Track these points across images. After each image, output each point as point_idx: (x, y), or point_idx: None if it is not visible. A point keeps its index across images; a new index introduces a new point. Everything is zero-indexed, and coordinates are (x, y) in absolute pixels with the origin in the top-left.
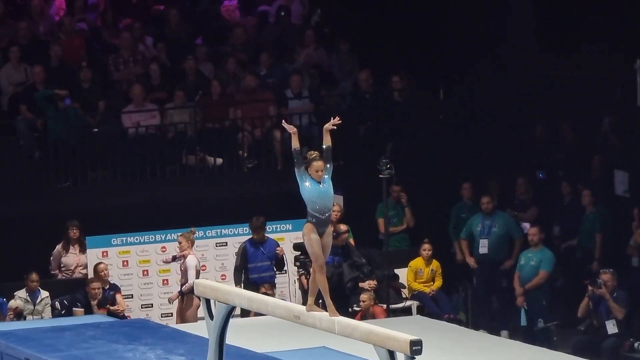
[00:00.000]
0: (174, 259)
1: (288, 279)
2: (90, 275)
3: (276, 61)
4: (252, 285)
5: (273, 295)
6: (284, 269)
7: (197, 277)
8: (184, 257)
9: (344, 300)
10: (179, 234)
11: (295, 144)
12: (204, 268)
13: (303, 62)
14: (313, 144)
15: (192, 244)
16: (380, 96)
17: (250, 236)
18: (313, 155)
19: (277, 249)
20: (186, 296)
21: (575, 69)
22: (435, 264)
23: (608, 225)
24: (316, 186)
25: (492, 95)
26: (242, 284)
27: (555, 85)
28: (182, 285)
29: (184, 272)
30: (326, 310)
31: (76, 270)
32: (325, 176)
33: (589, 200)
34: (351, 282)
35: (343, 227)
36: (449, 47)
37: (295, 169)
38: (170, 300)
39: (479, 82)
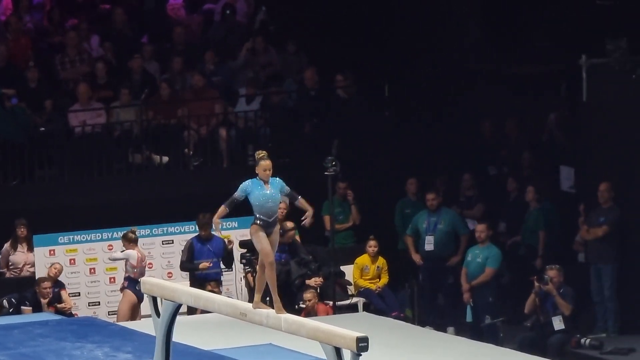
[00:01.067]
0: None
1: (234, 277)
2: (39, 273)
3: (221, 59)
4: (198, 282)
5: (219, 292)
6: (232, 264)
7: (132, 270)
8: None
9: (291, 297)
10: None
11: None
12: (151, 266)
13: (249, 61)
14: (260, 143)
15: (135, 242)
16: (325, 94)
17: (197, 233)
18: (261, 155)
19: (227, 241)
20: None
21: (521, 65)
22: (381, 260)
23: (553, 221)
24: (264, 191)
25: (438, 91)
26: (189, 281)
27: (501, 81)
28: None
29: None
30: (273, 307)
31: (24, 269)
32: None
33: (533, 197)
34: (299, 279)
35: (289, 224)
36: (394, 43)
37: (235, 196)
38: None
39: (424, 78)
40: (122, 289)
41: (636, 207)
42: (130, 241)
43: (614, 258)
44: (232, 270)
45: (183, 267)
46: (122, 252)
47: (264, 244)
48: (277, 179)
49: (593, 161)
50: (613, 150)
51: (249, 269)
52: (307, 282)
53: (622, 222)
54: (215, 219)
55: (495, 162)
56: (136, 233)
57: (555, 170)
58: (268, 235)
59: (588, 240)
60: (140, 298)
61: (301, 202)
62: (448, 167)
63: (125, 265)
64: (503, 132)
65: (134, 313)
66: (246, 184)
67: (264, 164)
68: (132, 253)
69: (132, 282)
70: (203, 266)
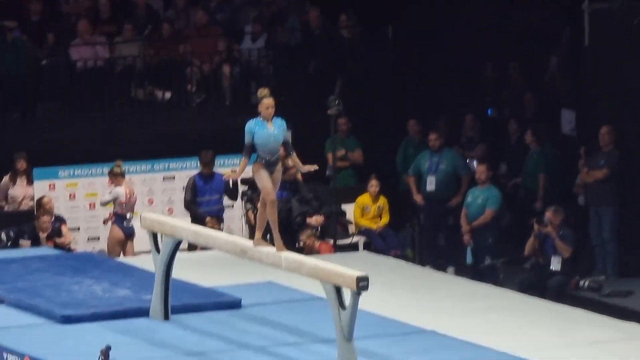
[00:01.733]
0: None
1: (235, 214)
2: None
3: None
4: (200, 219)
5: (220, 229)
6: (237, 197)
7: (120, 207)
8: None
9: (292, 235)
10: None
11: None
12: (152, 202)
13: None
14: (263, 81)
15: (122, 176)
16: (329, 33)
17: (199, 170)
18: (263, 93)
19: (228, 176)
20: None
21: (524, 9)
22: (382, 200)
23: (554, 164)
24: (266, 130)
25: (441, 33)
26: (190, 218)
27: (504, 24)
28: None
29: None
30: (274, 245)
31: (23, 202)
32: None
33: (532, 139)
34: (300, 217)
35: (291, 162)
36: None
37: (247, 142)
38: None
39: (428, 20)
40: (105, 222)
41: (636, 150)
42: (116, 176)
43: (613, 201)
44: (235, 202)
45: (188, 207)
46: (109, 193)
47: (266, 182)
48: (281, 119)
49: (594, 105)
50: (614, 94)
51: (250, 207)
52: (308, 220)
53: (622, 166)
54: (239, 175)
55: (497, 104)
56: (122, 167)
57: (557, 114)
58: (270, 173)
59: (588, 183)
60: (127, 234)
61: (294, 158)
62: (450, 109)
63: (114, 203)
64: (505, 75)
65: (121, 249)
66: (250, 124)
67: (266, 102)
68: (120, 191)
69: (119, 218)
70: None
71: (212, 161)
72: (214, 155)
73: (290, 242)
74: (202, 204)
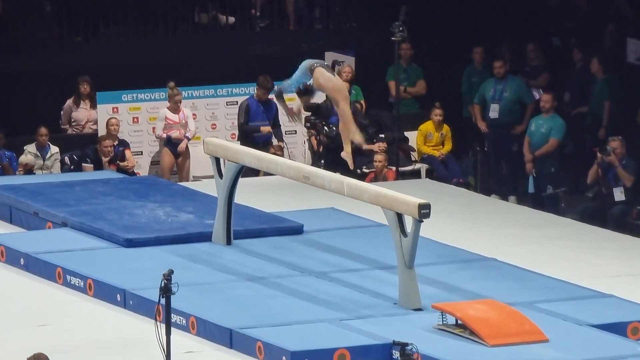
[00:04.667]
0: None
1: (298, 140)
2: (101, 131)
3: None
4: (251, 143)
5: (282, 155)
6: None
7: (159, 128)
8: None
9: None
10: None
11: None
12: (214, 127)
13: None
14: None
15: (170, 98)
16: None
17: (255, 93)
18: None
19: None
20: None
21: None
22: (445, 128)
23: (618, 93)
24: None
25: None
26: (240, 141)
27: None
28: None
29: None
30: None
31: (86, 126)
32: None
33: (598, 68)
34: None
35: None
36: None
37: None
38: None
39: None
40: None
41: None
42: (169, 97)
43: None
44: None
45: (241, 130)
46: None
47: (335, 80)
48: None
49: None
50: None
51: (313, 132)
52: (371, 147)
53: None
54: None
55: (562, 33)
56: (174, 89)
57: (623, 42)
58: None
59: None
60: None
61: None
62: (514, 36)
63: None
64: (571, 3)
65: (171, 171)
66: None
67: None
68: (162, 112)
69: (169, 140)
70: (264, 129)
71: (269, 86)
72: (273, 81)
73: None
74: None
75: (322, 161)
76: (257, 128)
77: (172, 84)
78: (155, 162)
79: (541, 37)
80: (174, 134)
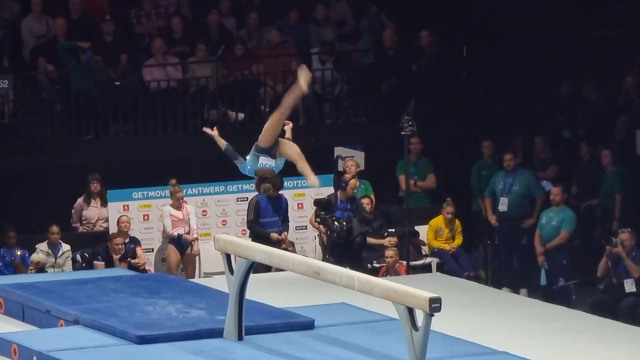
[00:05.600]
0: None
1: (308, 235)
2: (112, 229)
3: (300, 19)
4: (263, 239)
5: (293, 251)
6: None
7: (168, 226)
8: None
9: (354, 254)
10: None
11: (220, 144)
12: (225, 223)
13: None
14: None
15: (172, 195)
16: (403, 53)
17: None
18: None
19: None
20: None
21: (599, 28)
22: (456, 223)
23: (628, 185)
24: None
25: (516, 52)
26: (251, 238)
27: (579, 43)
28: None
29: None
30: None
31: (97, 224)
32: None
33: (609, 160)
34: (360, 237)
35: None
36: (473, 5)
37: (239, 164)
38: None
39: (502, 39)
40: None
41: None
42: (171, 195)
43: None
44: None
45: (250, 226)
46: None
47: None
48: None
49: None
50: None
51: (324, 230)
52: (381, 241)
53: None
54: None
55: (571, 125)
56: (175, 186)
57: (631, 134)
58: None
59: None
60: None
61: None
62: (523, 129)
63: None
64: (580, 95)
65: (178, 268)
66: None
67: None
68: (166, 209)
69: (173, 238)
70: (274, 236)
71: (279, 183)
72: (282, 178)
73: (354, 263)
74: (265, 225)
75: (327, 256)
76: (267, 233)
77: (173, 181)
78: (163, 259)
79: (551, 129)
80: (179, 230)
